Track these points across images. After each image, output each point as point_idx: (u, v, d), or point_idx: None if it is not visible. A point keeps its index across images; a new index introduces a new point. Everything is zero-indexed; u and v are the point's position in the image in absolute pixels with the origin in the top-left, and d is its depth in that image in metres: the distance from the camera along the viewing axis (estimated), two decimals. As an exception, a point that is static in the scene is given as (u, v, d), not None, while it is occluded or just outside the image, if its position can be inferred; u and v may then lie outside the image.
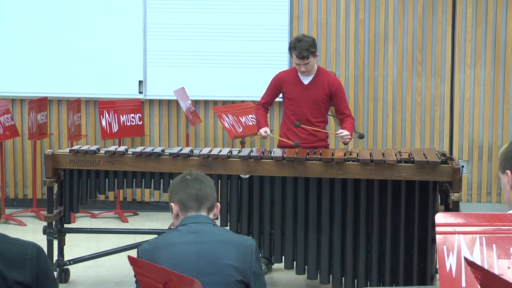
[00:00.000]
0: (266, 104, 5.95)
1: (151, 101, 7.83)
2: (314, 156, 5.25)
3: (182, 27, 7.67)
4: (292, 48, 5.66)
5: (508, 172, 2.69)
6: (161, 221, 7.29)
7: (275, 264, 5.72)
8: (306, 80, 5.76)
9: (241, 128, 6.97)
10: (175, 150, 5.40)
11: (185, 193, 3.20)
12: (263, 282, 3.18)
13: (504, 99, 7.62)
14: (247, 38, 7.64)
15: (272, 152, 5.39)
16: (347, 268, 5.21)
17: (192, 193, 3.19)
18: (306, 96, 5.74)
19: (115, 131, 7.42)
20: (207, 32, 7.64)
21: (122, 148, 5.47)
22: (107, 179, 5.45)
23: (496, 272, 2.22)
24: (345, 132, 5.69)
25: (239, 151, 5.43)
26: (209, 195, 3.22)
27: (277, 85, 5.86)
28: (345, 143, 5.84)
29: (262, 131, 5.79)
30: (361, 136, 5.98)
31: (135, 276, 2.70)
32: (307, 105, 5.75)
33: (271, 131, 5.94)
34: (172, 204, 3.24)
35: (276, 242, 5.28)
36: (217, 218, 3.33)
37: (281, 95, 5.95)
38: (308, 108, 5.76)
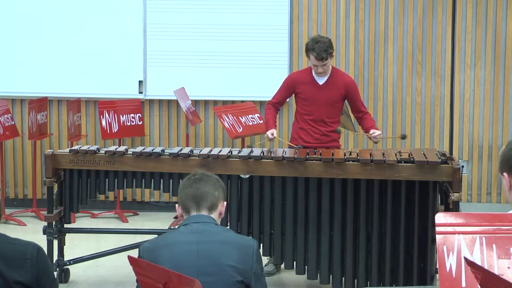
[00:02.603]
0: (277, 103, 5.94)
1: (151, 101, 7.83)
2: (314, 156, 5.25)
3: (182, 27, 7.66)
4: (310, 49, 5.63)
5: (505, 174, 2.69)
6: (161, 221, 7.29)
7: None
8: (321, 81, 5.75)
9: (241, 128, 6.97)
10: (175, 150, 5.40)
11: (184, 194, 3.24)
12: (264, 283, 3.17)
13: (504, 99, 7.62)
14: (247, 38, 7.64)
15: (272, 152, 5.39)
16: (347, 268, 5.21)
17: (189, 193, 3.22)
18: (321, 96, 5.74)
19: (115, 131, 7.41)
20: (207, 32, 7.64)
21: (122, 148, 5.47)
22: (107, 179, 5.45)
23: (496, 272, 2.22)
24: (378, 132, 5.73)
25: (239, 151, 5.43)
26: (208, 194, 3.22)
27: (291, 86, 5.85)
28: (376, 142, 5.86)
29: (269, 133, 5.76)
30: (404, 137, 5.91)
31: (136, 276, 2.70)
32: (322, 105, 5.75)
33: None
34: (176, 205, 3.29)
35: (276, 242, 5.28)
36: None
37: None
38: (323, 108, 5.76)
